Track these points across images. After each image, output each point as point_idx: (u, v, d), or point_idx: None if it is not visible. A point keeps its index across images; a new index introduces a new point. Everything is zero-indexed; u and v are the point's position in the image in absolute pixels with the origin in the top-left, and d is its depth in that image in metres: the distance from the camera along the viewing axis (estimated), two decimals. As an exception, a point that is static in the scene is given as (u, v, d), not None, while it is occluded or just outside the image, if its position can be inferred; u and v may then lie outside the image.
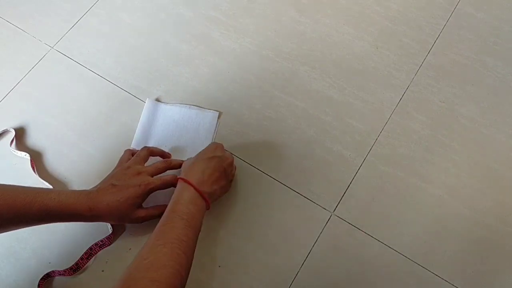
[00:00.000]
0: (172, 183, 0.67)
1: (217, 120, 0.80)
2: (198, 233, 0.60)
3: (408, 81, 0.83)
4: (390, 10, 0.90)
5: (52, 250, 0.72)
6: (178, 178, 0.65)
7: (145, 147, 0.73)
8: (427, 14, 0.89)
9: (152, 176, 0.67)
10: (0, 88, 0.85)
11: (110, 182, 0.65)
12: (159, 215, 0.63)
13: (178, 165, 0.71)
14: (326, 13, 0.90)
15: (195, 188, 0.62)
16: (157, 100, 0.82)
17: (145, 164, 0.70)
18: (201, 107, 0.81)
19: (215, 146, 0.69)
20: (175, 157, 0.76)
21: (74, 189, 0.76)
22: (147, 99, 0.81)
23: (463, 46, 0.86)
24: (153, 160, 0.73)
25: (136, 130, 0.79)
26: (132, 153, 0.73)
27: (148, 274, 0.51)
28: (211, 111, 0.80)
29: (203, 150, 0.69)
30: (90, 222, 0.64)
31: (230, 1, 0.92)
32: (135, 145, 0.78)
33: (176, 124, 0.79)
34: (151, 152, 0.72)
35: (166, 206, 0.64)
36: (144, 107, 0.80)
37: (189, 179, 0.63)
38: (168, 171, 0.71)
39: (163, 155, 0.74)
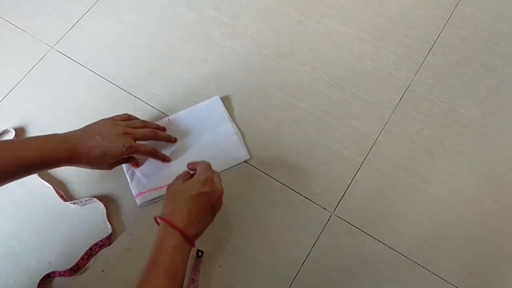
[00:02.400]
0: (155, 155, 0.70)
1: (221, 101, 0.80)
2: (183, 283, 0.56)
3: (408, 81, 0.83)
4: (390, 10, 0.90)
5: (52, 250, 0.72)
6: (162, 219, 0.59)
7: (143, 120, 0.74)
8: (427, 14, 0.89)
9: (136, 141, 0.68)
10: (0, 88, 0.85)
11: (95, 133, 0.65)
12: (127, 161, 0.72)
13: (165, 139, 0.74)
14: (326, 13, 0.90)
15: (181, 233, 0.57)
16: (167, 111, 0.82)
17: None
18: (201, 102, 0.81)
19: (204, 179, 0.62)
20: (202, 155, 0.75)
21: (74, 189, 0.76)
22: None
23: (463, 46, 0.86)
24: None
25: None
26: (129, 117, 0.73)
27: None
28: (212, 98, 0.81)
29: (191, 181, 0.62)
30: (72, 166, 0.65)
31: (230, 1, 0.92)
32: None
33: (192, 127, 0.79)
34: (146, 125, 0.73)
35: (132, 157, 0.71)
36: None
37: (175, 222, 0.57)
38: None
39: (158, 128, 0.75)
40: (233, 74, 0.85)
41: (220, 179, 0.66)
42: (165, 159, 0.75)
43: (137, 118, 0.74)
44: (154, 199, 0.73)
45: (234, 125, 0.79)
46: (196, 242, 0.68)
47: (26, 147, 0.61)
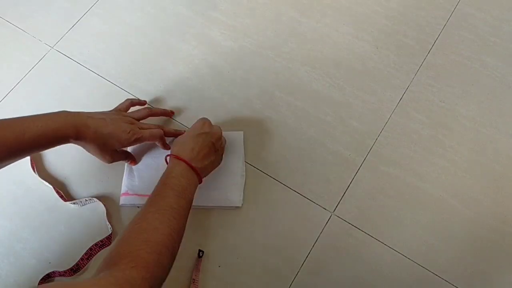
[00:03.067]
0: (160, 138, 0.72)
1: (243, 138, 0.78)
2: (190, 205, 0.62)
3: (408, 81, 0.83)
4: (390, 10, 0.90)
5: (52, 250, 0.72)
6: (170, 155, 0.66)
7: (146, 107, 0.77)
8: (427, 14, 0.89)
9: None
10: (0, 88, 0.85)
11: (103, 117, 0.67)
12: (125, 158, 0.73)
13: (172, 134, 0.76)
14: (326, 13, 0.90)
15: (186, 163, 0.64)
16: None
17: None
18: (225, 131, 0.76)
19: (202, 123, 0.70)
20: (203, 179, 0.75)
21: (74, 189, 0.76)
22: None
23: (463, 46, 0.86)
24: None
25: None
26: (132, 102, 0.76)
27: (140, 235, 0.54)
28: (236, 132, 0.78)
29: (191, 127, 0.71)
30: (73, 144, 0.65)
31: (230, 1, 0.92)
32: None
33: None
34: (151, 112, 0.76)
35: (130, 154, 0.74)
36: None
37: (180, 156, 0.65)
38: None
39: (164, 113, 0.79)
40: (233, 74, 0.85)
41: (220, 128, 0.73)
42: (165, 147, 0.75)
43: (139, 102, 0.79)
44: (136, 204, 0.73)
45: (244, 168, 0.76)
46: (197, 243, 0.68)
47: (36, 122, 0.61)
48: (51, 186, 0.74)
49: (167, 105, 0.82)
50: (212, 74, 0.85)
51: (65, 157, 0.78)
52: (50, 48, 0.89)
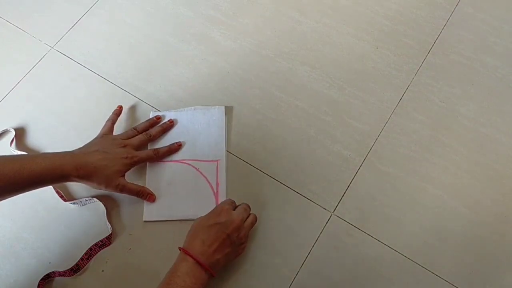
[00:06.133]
0: (155, 154, 0.74)
1: (225, 114, 0.80)
2: None
3: (408, 81, 0.83)
4: (390, 10, 0.90)
5: (52, 250, 0.72)
6: (179, 248, 0.63)
7: (132, 128, 0.76)
8: (427, 14, 0.89)
9: (136, 150, 0.73)
10: (0, 88, 0.85)
11: (97, 149, 0.68)
12: (137, 194, 0.71)
13: (158, 135, 0.77)
14: (326, 13, 0.90)
15: (194, 259, 0.60)
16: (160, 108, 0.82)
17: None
18: (205, 106, 0.81)
19: (220, 210, 0.66)
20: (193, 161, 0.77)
21: (74, 189, 0.76)
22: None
23: (463, 46, 0.86)
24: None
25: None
26: (112, 121, 0.77)
27: None
28: (216, 107, 0.80)
29: (208, 213, 0.66)
30: (77, 182, 0.67)
31: (230, 1, 0.92)
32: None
33: (186, 129, 0.79)
34: (137, 131, 0.76)
35: (145, 188, 0.72)
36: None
37: (189, 250, 0.61)
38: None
39: (149, 126, 0.78)
40: (233, 74, 0.85)
41: (247, 209, 0.69)
42: (165, 154, 0.76)
43: (116, 114, 0.78)
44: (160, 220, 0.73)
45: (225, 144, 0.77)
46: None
47: (35, 159, 0.63)
48: (51, 186, 0.74)
49: (167, 105, 0.82)
50: (212, 74, 0.85)
51: (65, 157, 0.78)
52: (50, 48, 0.89)
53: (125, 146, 0.71)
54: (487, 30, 0.87)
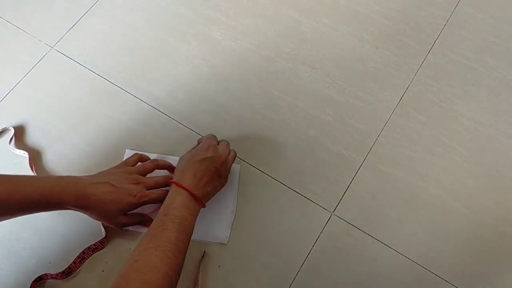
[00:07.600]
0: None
1: (239, 172, 0.76)
2: (190, 236, 0.60)
3: (408, 81, 0.83)
4: (390, 10, 0.90)
5: (52, 250, 0.72)
6: (171, 182, 0.64)
7: (153, 160, 0.72)
8: (427, 14, 0.89)
9: (149, 190, 0.67)
10: (0, 88, 0.85)
11: (107, 180, 0.65)
12: (139, 222, 0.69)
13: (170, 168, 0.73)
14: (326, 13, 0.90)
15: (188, 191, 0.62)
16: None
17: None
18: None
19: (207, 146, 0.69)
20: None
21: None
22: None
23: (463, 46, 0.86)
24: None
25: None
26: (140, 158, 0.72)
27: (139, 275, 0.53)
28: (232, 165, 0.74)
29: (195, 149, 0.69)
30: (72, 211, 0.64)
31: (230, 1, 0.92)
32: None
33: None
34: (157, 165, 0.71)
35: (145, 215, 0.70)
36: None
37: (181, 183, 0.63)
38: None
39: (171, 167, 0.73)
40: (233, 74, 0.85)
41: (228, 144, 0.72)
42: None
43: (148, 158, 0.73)
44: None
45: (236, 203, 0.74)
46: (197, 243, 0.68)
47: (33, 183, 0.60)
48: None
49: (167, 105, 0.82)
50: (212, 74, 0.85)
51: (64, 157, 0.78)
52: (50, 48, 0.89)
53: (138, 183, 0.67)
54: (487, 30, 0.87)
